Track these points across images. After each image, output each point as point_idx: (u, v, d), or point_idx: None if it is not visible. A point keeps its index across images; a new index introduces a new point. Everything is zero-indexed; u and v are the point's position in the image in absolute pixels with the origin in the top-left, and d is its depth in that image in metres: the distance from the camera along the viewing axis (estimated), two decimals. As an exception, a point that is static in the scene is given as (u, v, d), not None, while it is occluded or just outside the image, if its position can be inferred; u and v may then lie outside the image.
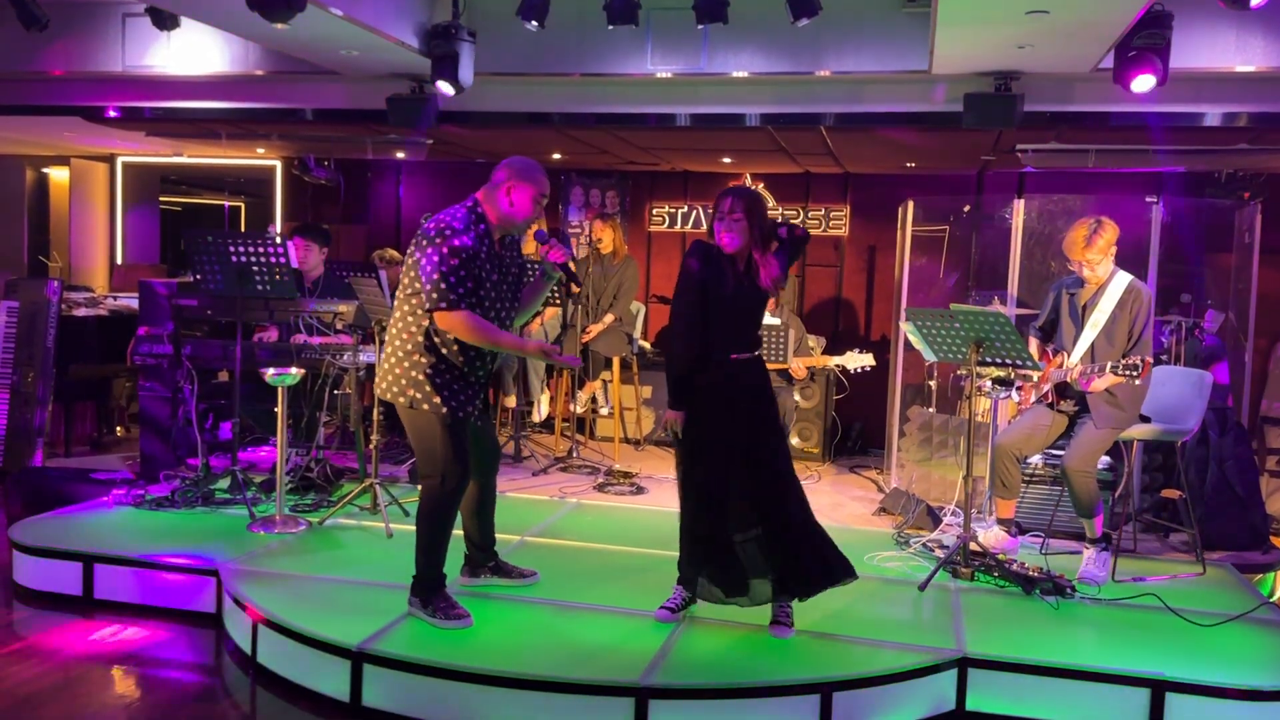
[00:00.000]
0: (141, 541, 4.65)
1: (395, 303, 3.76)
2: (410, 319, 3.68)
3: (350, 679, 3.53)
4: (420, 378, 3.66)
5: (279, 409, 4.93)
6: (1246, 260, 6.42)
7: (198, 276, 5.31)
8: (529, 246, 4.17)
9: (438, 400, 3.65)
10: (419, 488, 5.57)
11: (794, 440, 7.39)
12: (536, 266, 4.01)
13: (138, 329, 5.93)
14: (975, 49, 5.10)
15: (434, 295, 3.56)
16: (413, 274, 3.65)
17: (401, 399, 3.69)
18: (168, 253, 10.46)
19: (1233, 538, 5.46)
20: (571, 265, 3.86)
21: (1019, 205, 5.85)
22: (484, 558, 4.20)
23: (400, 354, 3.70)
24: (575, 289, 4.20)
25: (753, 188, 4.02)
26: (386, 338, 3.80)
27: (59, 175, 9.96)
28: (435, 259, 3.55)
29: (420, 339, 3.66)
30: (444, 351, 3.66)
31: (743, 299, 3.75)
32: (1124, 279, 4.67)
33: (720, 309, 3.74)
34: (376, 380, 3.81)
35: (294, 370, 4.96)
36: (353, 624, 3.72)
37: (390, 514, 5.10)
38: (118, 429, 7.66)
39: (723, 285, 3.73)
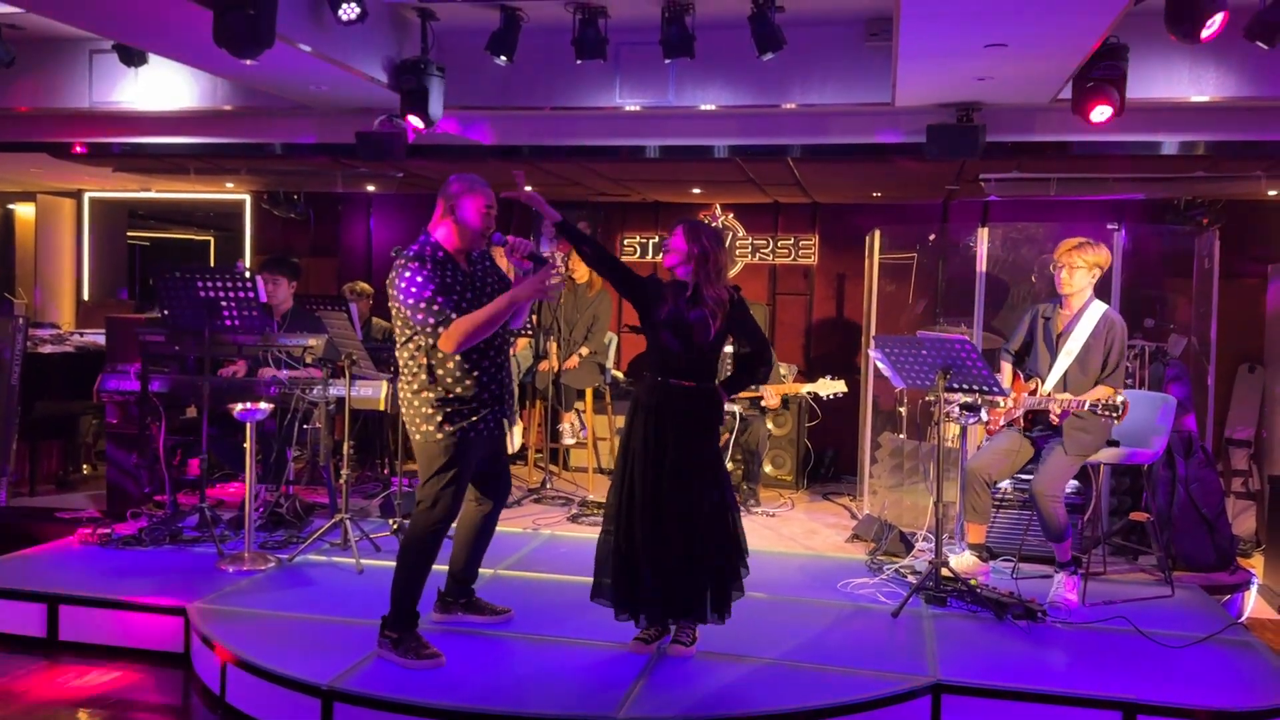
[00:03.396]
0: (108, 581, 4.59)
1: (397, 350, 3.81)
2: (412, 362, 3.75)
3: (321, 717, 3.49)
4: (429, 410, 3.71)
5: (247, 444, 4.90)
6: (1207, 285, 6.53)
7: (165, 312, 5.28)
8: (503, 262, 4.15)
9: (450, 427, 3.71)
10: (391, 523, 5.58)
11: (767, 467, 7.41)
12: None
13: (104, 365, 5.87)
14: (937, 81, 5.19)
15: (429, 326, 3.62)
16: (400, 321, 3.72)
17: (417, 435, 3.76)
18: (135, 288, 10.38)
19: (1200, 559, 5.52)
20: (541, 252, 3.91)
21: (983, 233, 5.94)
22: (459, 592, 4.17)
23: (410, 393, 3.77)
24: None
25: (704, 221, 4.06)
26: (399, 386, 3.87)
27: (25, 211, 9.88)
28: (410, 297, 3.61)
29: (424, 376, 3.72)
30: (449, 381, 3.71)
31: (679, 328, 3.85)
32: (1099, 308, 4.74)
33: (654, 331, 3.90)
34: (404, 418, 3.87)
35: (263, 405, 4.92)
36: (323, 661, 3.69)
37: (361, 549, 5.06)
38: (84, 467, 7.55)
39: (660, 307, 3.89)
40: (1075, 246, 4.72)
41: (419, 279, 3.61)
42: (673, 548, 3.80)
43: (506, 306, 3.67)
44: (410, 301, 3.61)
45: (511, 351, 7.15)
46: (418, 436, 3.76)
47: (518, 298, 3.67)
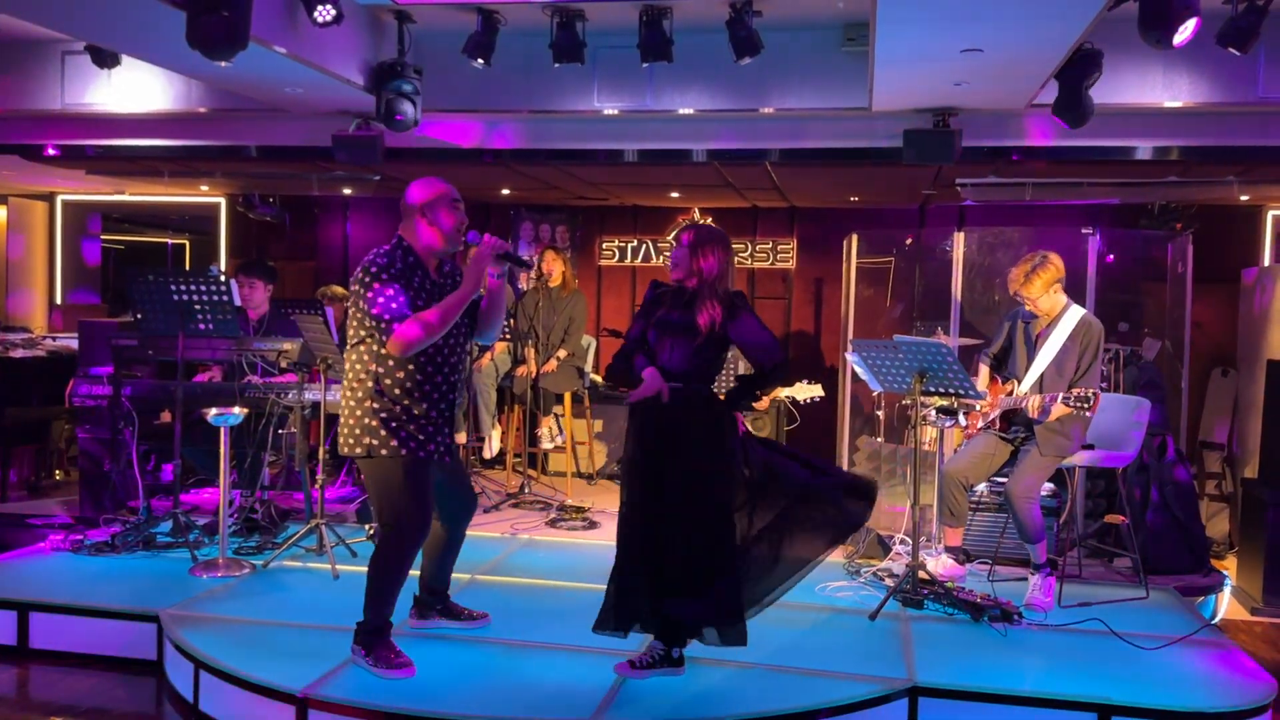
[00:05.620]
0: (80, 588, 4.53)
1: (345, 352, 3.69)
2: (359, 366, 3.61)
3: (295, 725, 3.46)
4: (374, 424, 3.56)
5: (221, 449, 4.85)
6: (1180, 289, 6.59)
7: (139, 316, 5.23)
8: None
9: (395, 444, 3.55)
10: (367, 528, 5.55)
11: (747, 472, 7.39)
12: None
13: (77, 370, 5.81)
14: (913, 86, 5.21)
15: (378, 331, 3.51)
16: (355, 321, 3.61)
17: (359, 449, 3.59)
18: (109, 292, 10.28)
19: (1174, 561, 5.56)
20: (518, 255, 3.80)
21: (959, 238, 5.97)
22: (435, 600, 4.15)
23: (353, 403, 3.62)
24: (525, 274, 4.04)
25: (711, 227, 3.98)
26: (341, 392, 3.71)
27: (-4, 214, 9.78)
28: (368, 296, 3.51)
29: (370, 384, 3.58)
30: (396, 393, 3.57)
31: (666, 328, 3.75)
32: (1077, 313, 4.78)
33: (650, 335, 3.80)
34: (339, 440, 3.68)
35: (237, 410, 4.88)
36: (298, 668, 3.65)
37: (337, 555, 5.02)
38: (56, 472, 7.48)
39: (655, 311, 3.81)
40: (1023, 283, 4.72)
41: (384, 276, 3.49)
42: (657, 561, 3.69)
43: (456, 303, 3.54)
44: (369, 295, 3.48)
45: (489, 356, 7.20)
46: (359, 451, 3.57)
47: (465, 294, 3.55)
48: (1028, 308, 4.81)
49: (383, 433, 3.55)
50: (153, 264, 10.66)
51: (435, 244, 3.66)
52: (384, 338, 3.49)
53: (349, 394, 3.64)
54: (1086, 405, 4.45)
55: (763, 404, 6.79)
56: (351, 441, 3.61)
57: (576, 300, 7.27)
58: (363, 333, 3.58)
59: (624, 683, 3.64)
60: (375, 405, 3.56)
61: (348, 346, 3.66)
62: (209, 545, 5.17)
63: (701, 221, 8.79)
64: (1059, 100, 5.12)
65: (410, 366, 3.57)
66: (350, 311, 3.63)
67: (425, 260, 3.66)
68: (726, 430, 3.76)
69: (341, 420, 3.66)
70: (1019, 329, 4.96)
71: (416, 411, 3.59)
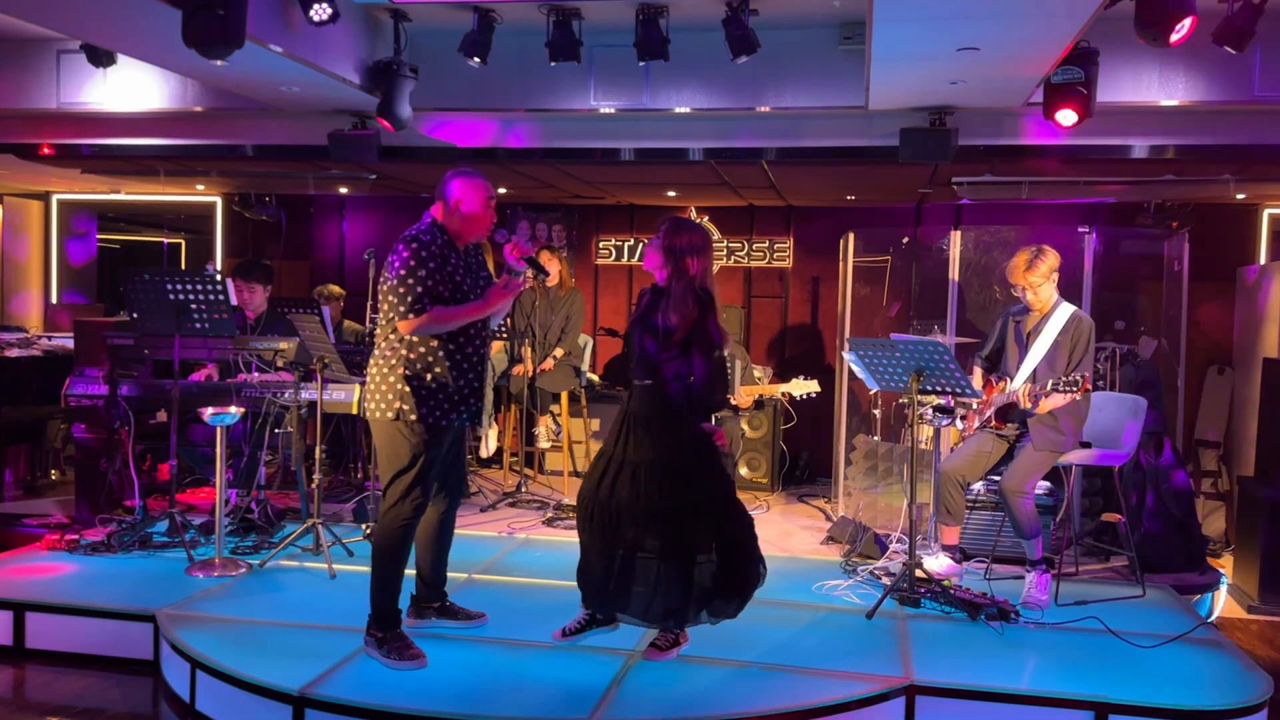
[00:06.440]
0: (76, 588, 4.53)
1: (378, 327, 3.82)
2: (393, 336, 3.74)
3: (292, 725, 3.45)
4: (406, 390, 3.69)
5: (218, 449, 4.85)
6: (1176, 288, 6.60)
7: (134, 315, 5.22)
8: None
9: (423, 412, 3.69)
10: (364, 528, 5.54)
11: (742, 470, 7.42)
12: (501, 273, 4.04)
13: (73, 369, 5.80)
14: (910, 85, 5.21)
15: (400, 307, 3.65)
16: (389, 299, 3.70)
17: (389, 414, 3.70)
18: (105, 291, 10.27)
19: (1171, 560, 5.57)
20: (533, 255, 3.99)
21: (955, 236, 5.97)
22: (431, 596, 4.15)
23: (385, 370, 3.74)
24: (534, 276, 4.16)
25: (692, 220, 4.03)
26: (370, 362, 3.83)
27: (-9, 213, 9.75)
28: (402, 272, 3.65)
29: (404, 352, 3.71)
30: (429, 360, 3.71)
31: (641, 326, 3.87)
32: (1067, 309, 4.80)
33: (635, 334, 3.92)
34: (365, 403, 3.81)
35: (233, 409, 4.88)
36: (295, 667, 3.65)
37: (333, 554, 5.01)
38: (53, 472, 7.45)
39: (637, 311, 3.94)
40: (1025, 269, 4.77)
41: (422, 253, 3.65)
42: (631, 548, 3.77)
43: (478, 312, 3.74)
44: (405, 282, 3.62)
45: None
46: (386, 417, 3.70)
47: (491, 307, 3.75)
48: (1029, 296, 4.82)
49: (412, 401, 3.69)
50: (148, 263, 10.65)
51: (469, 233, 3.85)
52: (400, 316, 3.64)
53: (380, 361, 3.76)
54: (1075, 388, 4.48)
55: (745, 401, 6.77)
56: (380, 408, 3.73)
57: (573, 299, 7.26)
58: (394, 314, 3.70)
59: (621, 682, 3.65)
60: (407, 373, 3.70)
61: (380, 324, 3.78)
62: (205, 545, 5.16)
63: (694, 219, 8.79)
64: (1068, 84, 5.05)
65: (441, 339, 3.73)
66: (384, 287, 3.71)
67: (455, 241, 3.84)
68: (693, 430, 3.80)
69: (370, 387, 3.78)
70: (1010, 327, 4.98)
71: (447, 381, 3.73)
